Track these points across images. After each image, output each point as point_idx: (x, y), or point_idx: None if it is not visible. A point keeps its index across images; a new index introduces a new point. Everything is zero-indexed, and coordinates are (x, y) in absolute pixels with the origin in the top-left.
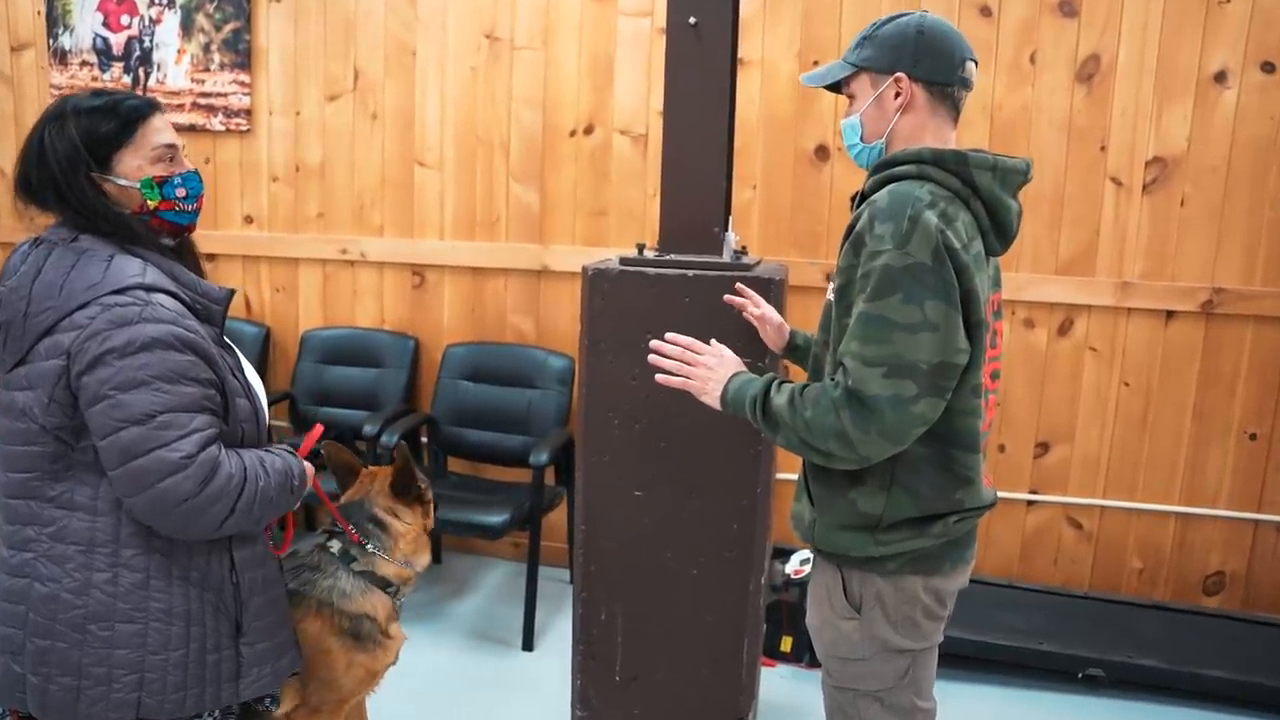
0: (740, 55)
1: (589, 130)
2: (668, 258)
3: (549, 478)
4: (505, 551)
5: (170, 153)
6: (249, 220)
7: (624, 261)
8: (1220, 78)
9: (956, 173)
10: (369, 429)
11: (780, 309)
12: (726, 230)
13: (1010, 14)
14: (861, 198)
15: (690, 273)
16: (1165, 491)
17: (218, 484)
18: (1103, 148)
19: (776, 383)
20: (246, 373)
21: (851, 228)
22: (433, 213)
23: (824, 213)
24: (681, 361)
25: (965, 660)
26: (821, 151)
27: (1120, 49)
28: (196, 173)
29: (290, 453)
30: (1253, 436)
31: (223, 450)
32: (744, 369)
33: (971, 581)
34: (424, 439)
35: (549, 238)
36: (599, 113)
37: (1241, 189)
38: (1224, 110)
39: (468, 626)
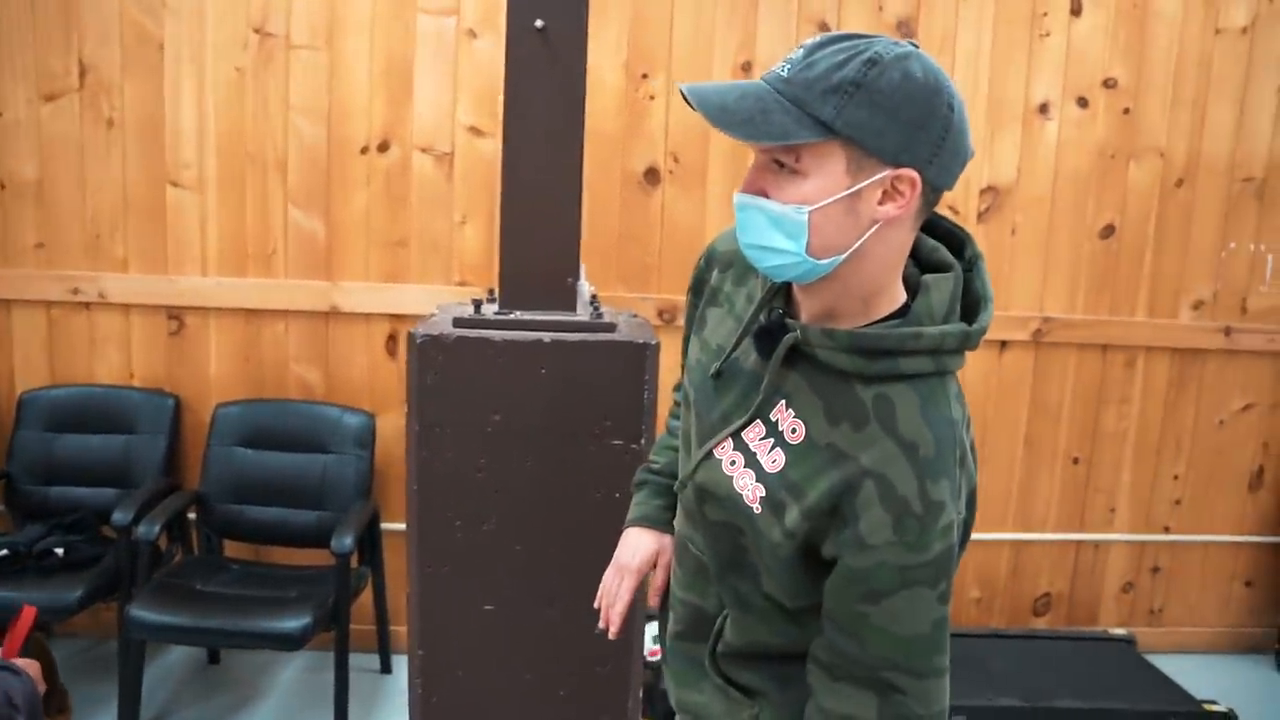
0: None
1: (384, 147)
2: (512, 316)
3: (352, 560)
4: None
5: None
6: None
7: (459, 323)
8: (1044, 109)
9: (971, 348)
10: (119, 517)
11: (653, 376)
12: (580, 278)
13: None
14: (786, 350)
15: (546, 337)
16: (1000, 519)
17: None
18: None
19: None
20: None
21: (863, 476)
22: (192, 243)
23: (654, 242)
24: None
25: None
26: (651, 175)
27: (954, 73)
28: None
29: (5, 668)
30: (1075, 461)
31: None
32: None
33: None
34: (191, 516)
35: (338, 273)
36: (395, 127)
37: (1064, 219)
38: (1047, 141)
39: None
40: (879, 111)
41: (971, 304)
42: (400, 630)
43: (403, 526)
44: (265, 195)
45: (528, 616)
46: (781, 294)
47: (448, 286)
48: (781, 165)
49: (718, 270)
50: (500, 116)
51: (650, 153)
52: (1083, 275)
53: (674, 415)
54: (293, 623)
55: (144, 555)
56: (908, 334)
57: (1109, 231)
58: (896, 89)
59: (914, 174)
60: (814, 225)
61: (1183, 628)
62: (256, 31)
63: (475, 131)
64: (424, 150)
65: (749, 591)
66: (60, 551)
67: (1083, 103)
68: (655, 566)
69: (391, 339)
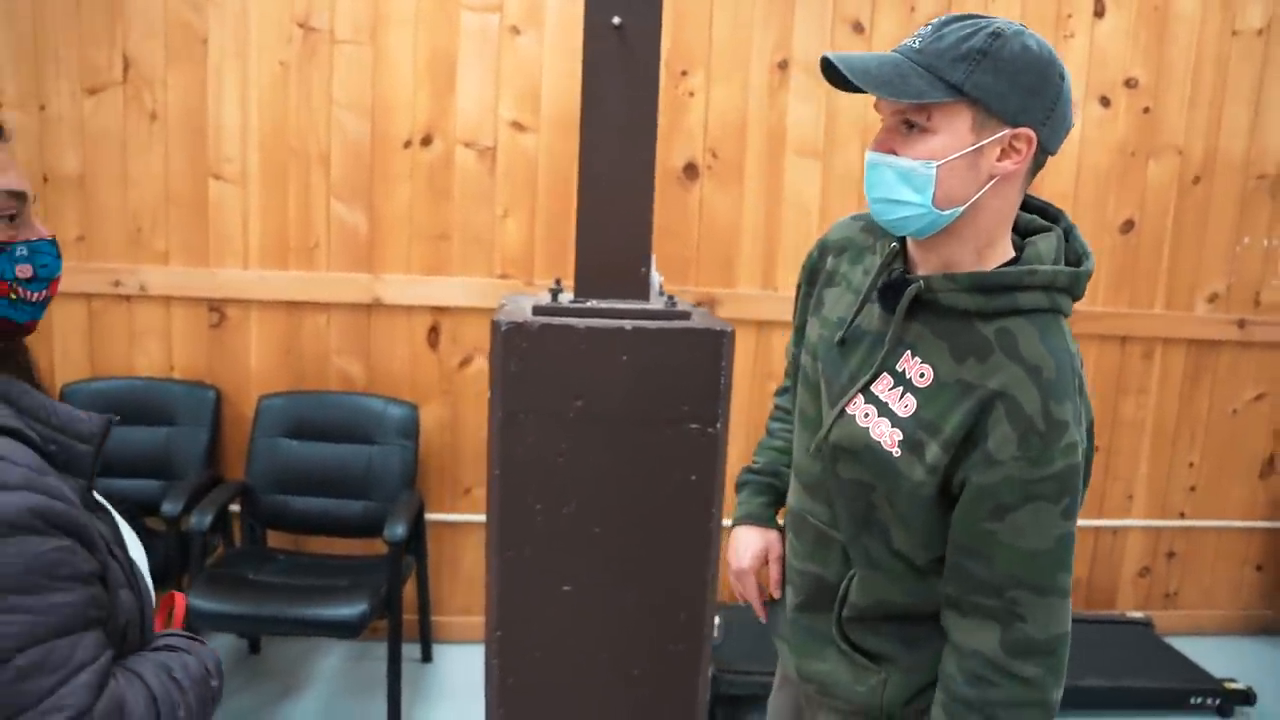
0: None
1: (427, 141)
2: (589, 304)
3: None
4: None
5: (14, 206)
6: None
7: (539, 310)
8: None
9: (1077, 297)
10: (169, 508)
11: (729, 362)
12: (651, 269)
13: (882, 31)
14: (910, 298)
15: (627, 324)
16: None
17: None
18: None
19: None
20: (127, 545)
21: (994, 397)
22: (234, 236)
23: (692, 236)
24: None
25: None
26: (690, 170)
27: None
28: (53, 241)
29: (189, 638)
30: (1096, 448)
31: (121, 679)
32: None
33: None
34: (234, 508)
35: (380, 266)
36: (439, 121)
37: (1086, 214)
38: (1071, 138)
39: None
40: (1002, 76)
41: (1074, 258)
42: (441, 620)
43: (446, 516)
44: (308, 189)
45: (604, 598)
46: (900, 257)
47: (489, 279)
48: (911, 126)
49: (831, 256)
50: (542, 112)
51: (689, 148)
52: (1103, 269)
53: (775, 418)
54: (349, 610)
55: (196, 545)
56: (1023, 271)
57: (1129, 227)
58: (1017, 57)
59: (1030, 133)
60: (940, 178)
61: (1197, 610)
62: (300, 26)
63: (517, 126)
64: (467, 145)
65: (879, 550)
66: None
67: (1105, 102)
68: (768, 561)
69: (433, 331)
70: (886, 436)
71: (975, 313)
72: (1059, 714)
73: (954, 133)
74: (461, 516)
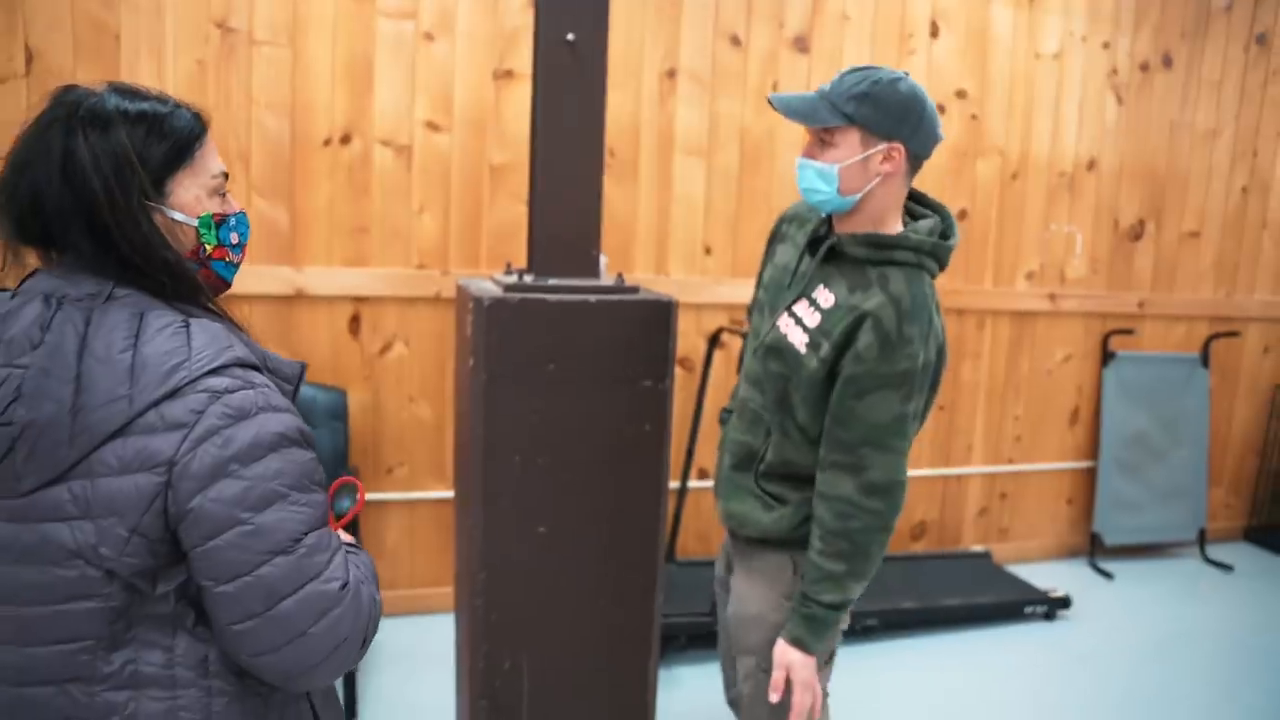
0: (509, 66)
1: (346, 140)
2: (552, 282)
3: None
4: None
5: (224, 185)
6: None
7: (510, 288)
8: None
9: (941, 262)
10: None
11: (674, 327)
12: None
13: (756, 45)
14: (829, 250)
15: (592, 298)
16: None
17: (365, 613)
18: None
19: (802, 594)
20: None
21: (865, 315)
22: None
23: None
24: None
25: None
26: None
27: None
28: (245, 214)
29: (354, 548)
30: (941, 408)
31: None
32: (799, 651)
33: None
34: None
35: (302, 259)
36: (357, 121)
37: None
38: None
39: None
40: (878, 109)
41: (943, 235)
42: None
43: (370, 496)
44: (229, 185)
45: (574, 536)
46: (826, 225)
47: (407, 270)
48: (823, 141)
49: (785, 224)
50: (455, 113)
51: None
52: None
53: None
54: None
55: None
56: (900, 236)
57: (962, 215)
58: (889, 96)
59: (901, 146)
60: (841, 176)
61: (1025, 541)
62: (218, 26)
63: (432, 127)
64: (384, 143)
65: (788, 424)
66: None
67: (941, 109)
68: None
69: (354, 320)
70: (798, 340)
71: (866, 260)
72: (922, 631)
73: (848, 146)
74: (385, 495)
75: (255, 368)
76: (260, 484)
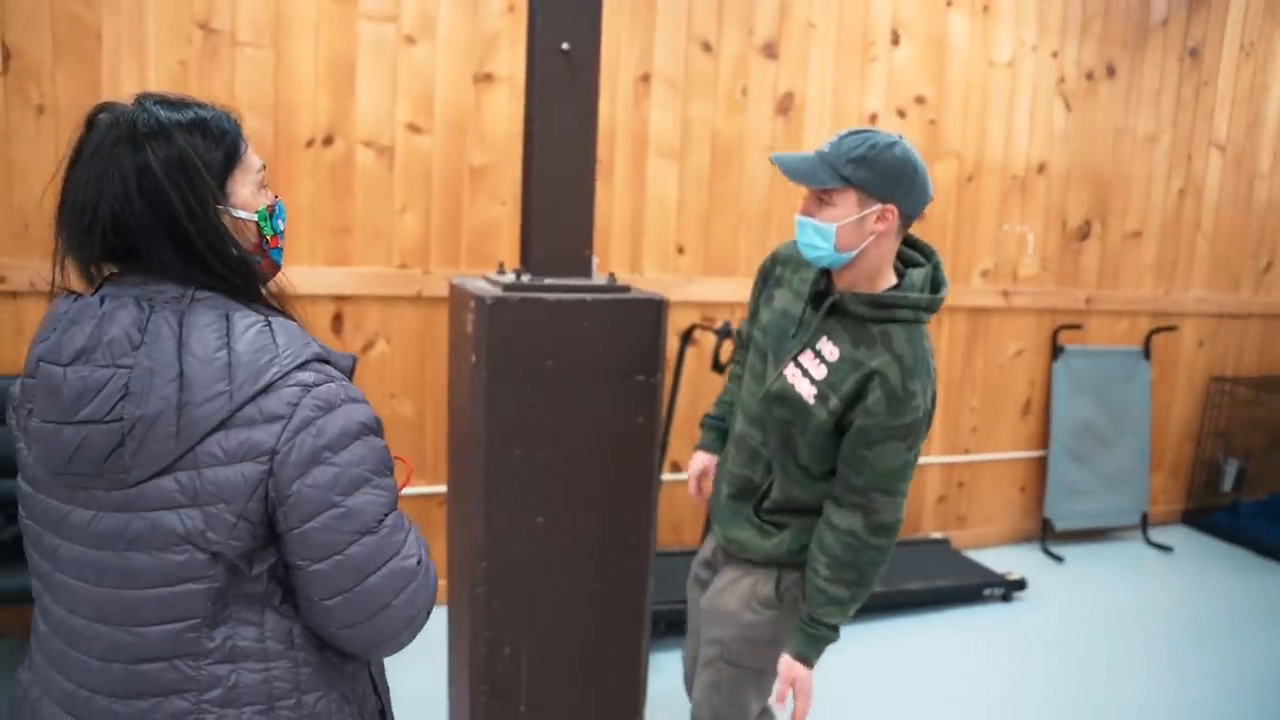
0: (489, 70)
1: (329, 141)
2: (548, 282)
3: None
4: None
5: (265, 176)
6: None
7: (510, 288)
8: (873, 119)
9: (934, 313)
10: None
11: (665, 324)
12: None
13: (726, 51)
14: (829, 305)
15: (588, 297)
16: None
17: (434, 585)
18: None
19: (809, 616)
20: None
21: (873, 373)
22: None
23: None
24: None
25: None
26: None
27: (808, 88)
28: (280, 199)
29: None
30: None
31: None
32: (796, 656)
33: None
34: None
35: (286, 258)
36: (340, 123)
37: None
38: None
39: None
40: (875, 173)
41: (935, 286)
42: None
43: None
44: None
45: (571, 525)
46: (824, 278)
47: (389, 269)
48: (822, 200)
49: (779, 266)
50: (435, 115)
51: None
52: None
53: (731, 381)
54: None
55: None
56: (900, 296)
57: (922, 217)
58: (885, 160)
59: (894, 208)
60: (838, 234)
61: (981, 528)
62: (201, 27)
63: (414, 129)
64: (366, 145)
65: (791, 464)
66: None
67: (901, 114)
68: (705, 476)
69: (337, 318)
70: (806, 391)
71: (868, 318)
72: (887, 614)
73: (846, 206)
74: None
75: (328, 362)
76: (349, 469)
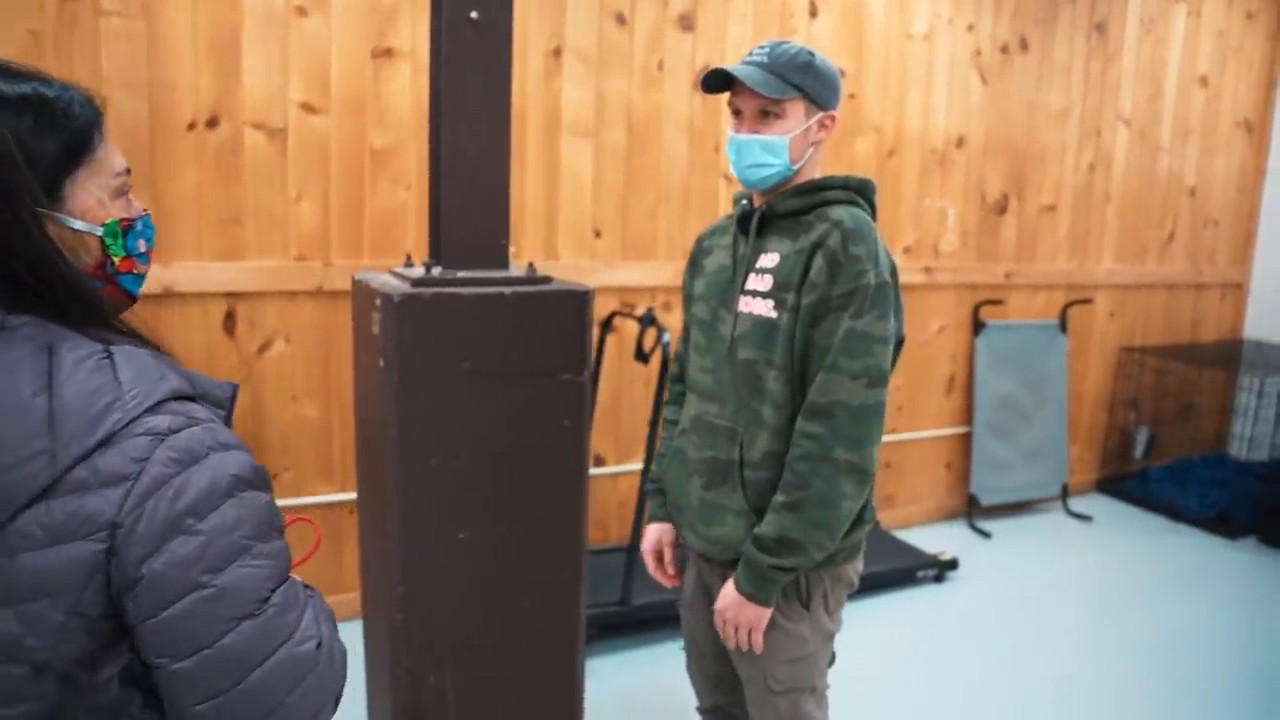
0: (390, 45)
1: (213, 123)
2: (462, 275)
3: None
4: None
5: (128, 184)
6: None
7: (419, 283)
8: None
9: (868, 200)
10: None
11: (590, 318)
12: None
13: (641, 23)
14: (761, 217)
15: (506, 290)
16: None
17: (340, 671)
18: (716, 148)
19: (756, 538)
20: None
21: (815, 246)
22: None
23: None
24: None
25: None
26: None
27: (726, 61)
28: (149, 215)
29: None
30: None
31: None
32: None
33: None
34: None
35: (170, 253)
36: (225, 102)
37: None
38: None
39: None
40: (820, 79)
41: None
42: None
43: None
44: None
45: (497, 539)
46: (748, 202)
47: (286, 262)
48: (767, 114)
49: (703, 241)
50: (332, 93)
51: None
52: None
53: (666, 427)
54: None
55: None
56: (825, 178)
57: None
58: (824, 67)
59: (835, 114)
60: (790, 146)
61: (909, 507)
62: None
63: (308, 108)
64: (256, 126)
65: (765, 409)
66: None
67: None
68: (664, 546)
69: (229, 317)
70: (762, 309)
71: (800, 210)
72: None
73: (796, 116)
74: None
75: (192, 398)
76: (220, 538)
